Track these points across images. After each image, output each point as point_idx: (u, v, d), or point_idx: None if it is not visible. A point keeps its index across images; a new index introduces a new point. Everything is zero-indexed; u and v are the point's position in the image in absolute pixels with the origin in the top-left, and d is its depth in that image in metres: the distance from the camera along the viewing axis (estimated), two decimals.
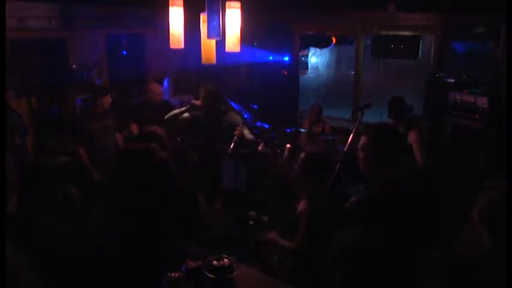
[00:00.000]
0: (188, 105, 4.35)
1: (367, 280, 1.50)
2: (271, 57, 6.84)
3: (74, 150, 4.18)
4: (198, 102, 4.30)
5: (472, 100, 4.49)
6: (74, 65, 5.74)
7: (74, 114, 5.47)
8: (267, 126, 5.51)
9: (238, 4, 2.48)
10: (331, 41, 6.35)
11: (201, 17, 2.53)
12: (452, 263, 1.83)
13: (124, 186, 1.55)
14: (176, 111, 4.41)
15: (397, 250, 1.69)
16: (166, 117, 4.38)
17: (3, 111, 3.47)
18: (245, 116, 5.07)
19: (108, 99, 4.69)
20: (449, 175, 4.25)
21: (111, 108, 4.75)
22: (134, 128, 4.72)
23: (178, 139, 4.59)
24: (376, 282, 1.50)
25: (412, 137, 4.09)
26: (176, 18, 2.56)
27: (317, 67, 8.12)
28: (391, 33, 5.57)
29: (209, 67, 3.35)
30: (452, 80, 4.82)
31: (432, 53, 5.38)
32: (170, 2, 2.53)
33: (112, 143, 4.64)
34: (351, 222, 2.04)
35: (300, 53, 6.88)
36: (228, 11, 2.44)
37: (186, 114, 4.36)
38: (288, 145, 5.13)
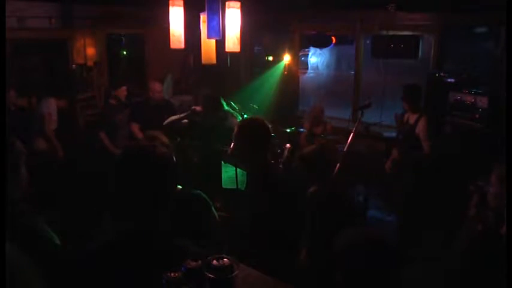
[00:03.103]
0: (188, 111, 4.33)
1: (367, 280, 1.50)
2: (271, 57, 6.85)
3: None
4: (198, 108, 4.29)
5: (472, 100, 4.49)
6: (74, 65, 5.75)
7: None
8: None
9: (238, 4, 2.48)
10: (331, 41, 6.34)
11: (201, 17, 2.53)
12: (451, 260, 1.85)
13: (127, 184, 1.55)
14: (175, 117, 4.39)
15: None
16: (165, 123, 4.36)
17: (3, 111, 3.47)
18: (245, 116, 5.07)
19: (123, 92, 4.82)
20: (448, 174, 4.26)
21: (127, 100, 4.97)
22: (135, 128, 4.72)
23: (178, 139, 4.59)
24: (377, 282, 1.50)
25: (420, 126, 4.12)
26: (176, 18, 2.56)
27: (317, 67, 8.13)
28: (391, 33, 5.57)
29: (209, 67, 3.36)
30: (452, 80, 4.82)
31: (432, 53, 5.37)
32: (170, 2, 2.53)
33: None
34: None
35: (300, 53, 6.88)
36: (228, 11, 2.45)
37: (185, 121, 4.35)
38: (288, 145, 5.13)
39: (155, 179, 1.54)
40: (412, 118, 4.30)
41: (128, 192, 1.54)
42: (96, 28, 5.85)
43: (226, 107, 4.48)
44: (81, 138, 5.49)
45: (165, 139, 2.38)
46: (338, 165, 3.45)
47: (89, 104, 5.80)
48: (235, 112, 4.77)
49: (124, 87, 5.06)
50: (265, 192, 2.36)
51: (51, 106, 4.71)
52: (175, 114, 4.91)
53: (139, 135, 4.58)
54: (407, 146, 4.27)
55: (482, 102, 4.40)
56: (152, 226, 1.55)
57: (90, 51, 5.90)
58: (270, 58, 6.90)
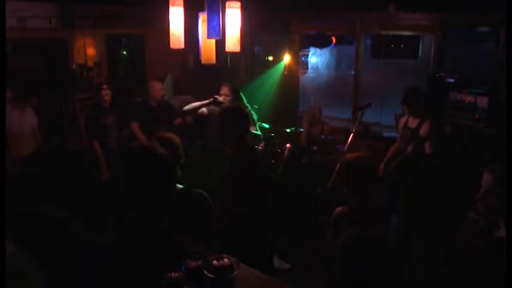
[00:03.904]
0: (211, 99, 4.38)
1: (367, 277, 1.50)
2: (271, 57, 6.85)
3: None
4: (221, 98, 4.33)
5: (472, 100, 4.49)
6: (74, 65, 5.74)
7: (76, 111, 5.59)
8: (266, 126, 5.51)
9: (238, 4, 2.48)
10: (331, 41, 6.35)
11: (201, 16, 2.53)
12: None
13: (134, 185, 1.55)
14: (197, 103, 4.47)
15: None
16: (185, 108, 4.42)
17: (3, 111, 3.47)
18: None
19: (107, 94, 4.71)
20: (448, 174, 4.27)
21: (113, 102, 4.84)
22: (135, 127, 4.71)
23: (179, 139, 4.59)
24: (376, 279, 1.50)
25: (424, 128, 4.09)
26: (176, 18, 2.55)
27: (317, 67, 8.12)
28: (391, 33, 5.57)
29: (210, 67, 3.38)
30: (452, 80, 4.82)
31: (432, 53, 5.37)
32: (170, 1, 2.53)
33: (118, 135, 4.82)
34: None
35: (300, 53, 6.88)
36: (228, 11, 2.44)
37: (204, 109, 4.40)
38: (288, 145, 5.13)
39: (157, 178, 1.54)
40: (412, 122, 4.19)
41: (130, 191, 1.54)
42: (96, 28, 5.85)
43: (245, 101, 4.57)
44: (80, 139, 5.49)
45: (177, 140, 2.40)
46: (338, 165, 3.45)
47: (88, 104, 5.79)
48: (251, 108, 4.79)
49: (108, 92, 4.64)
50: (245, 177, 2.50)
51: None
52: (175, 115, 4.91)
53: (140, 134, 4.58)
54: (415, 155, 4.22)
55: (482, 102, 4.40)
56: (153, 226, 1.56)
57: (90, 51, 5.90)
58: (270, 58, 6.90)
